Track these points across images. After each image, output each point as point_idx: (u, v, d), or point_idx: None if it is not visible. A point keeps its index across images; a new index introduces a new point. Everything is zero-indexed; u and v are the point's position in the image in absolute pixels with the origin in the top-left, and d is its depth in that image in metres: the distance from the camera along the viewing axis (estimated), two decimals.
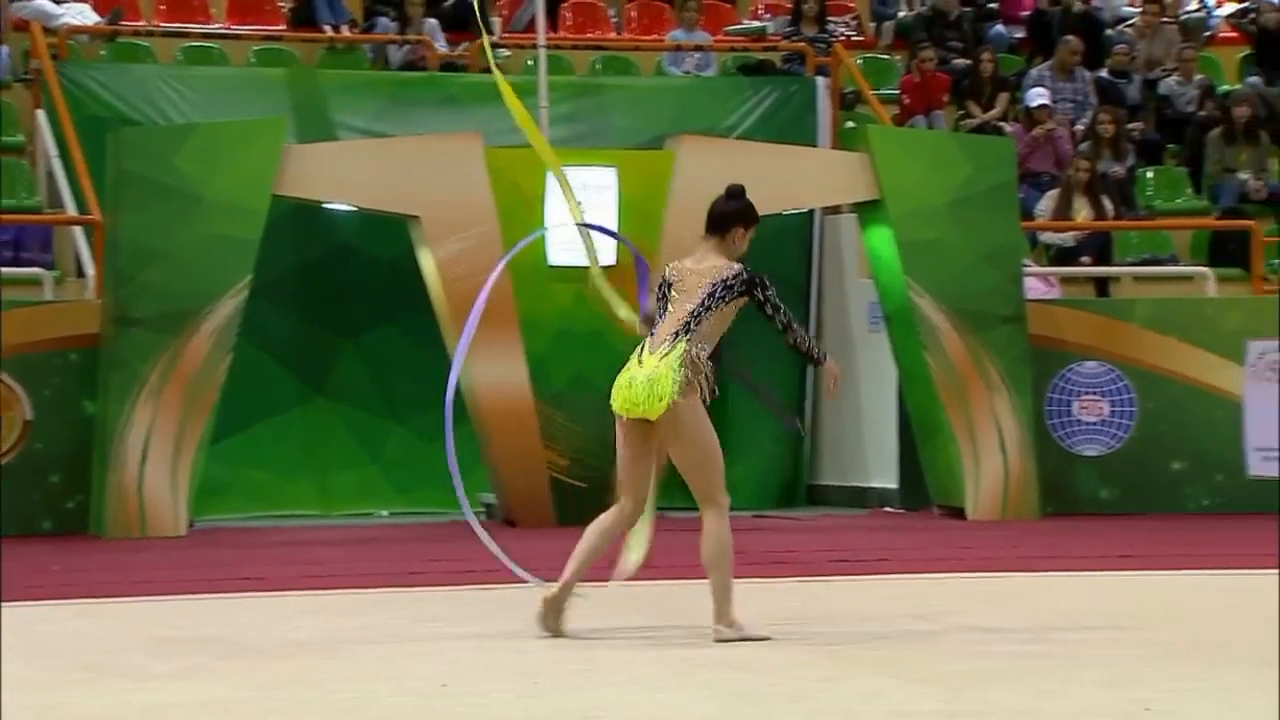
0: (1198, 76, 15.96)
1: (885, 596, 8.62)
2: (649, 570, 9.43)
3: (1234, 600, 8.48)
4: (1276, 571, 8.71)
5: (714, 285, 6.99)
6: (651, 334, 7.05)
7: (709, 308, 6.98)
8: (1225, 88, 16.09)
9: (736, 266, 7.06)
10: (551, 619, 7.06)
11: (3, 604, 7.76)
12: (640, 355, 6.99)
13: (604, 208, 12.14)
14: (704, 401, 6.94)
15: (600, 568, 7.31)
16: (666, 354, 6.91)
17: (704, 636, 6.97)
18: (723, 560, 6.96)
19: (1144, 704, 5.58)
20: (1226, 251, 14.41)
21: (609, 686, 6.08)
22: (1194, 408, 12.74)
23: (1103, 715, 5.47)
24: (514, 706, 5.69)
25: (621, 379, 6.98)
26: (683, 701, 5.78)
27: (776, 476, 13.77)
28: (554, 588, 7.11)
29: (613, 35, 16.21)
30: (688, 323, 6.97)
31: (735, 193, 7.21)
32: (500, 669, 6.41)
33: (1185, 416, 12.74)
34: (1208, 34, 16.96)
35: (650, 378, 6.89)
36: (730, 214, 7.15)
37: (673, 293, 7.06)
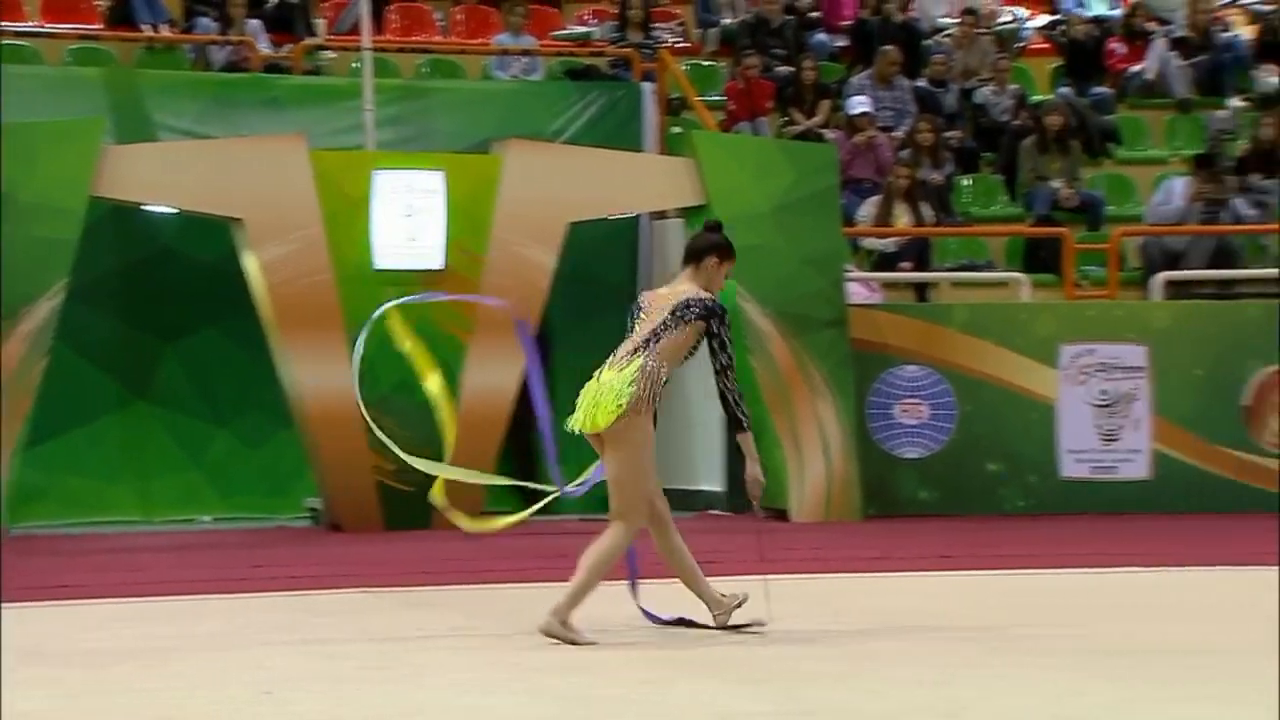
0: (1011, 86, 16.19)
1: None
2: (470, 574, 9.36)
3: (1048, 600, 8.57)
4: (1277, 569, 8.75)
5: (676, 306, 7.12)
6: (614, 353, 7.16)
7: (668, 327, 7.10)
8: (1038, 97, 16.33)
9: (704, 294, 7.18)
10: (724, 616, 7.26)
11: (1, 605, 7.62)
12: (600, 372, 7.12)
13: (432, 211, 12.07)
14: (654, 417, 7.08)
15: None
16: (623, 368, 7.04)
17: (530, 639, 6.88)
18: (597, 568, 6.98)
19: (963, 703, 5.62)
20: (1040, 258, 14.61)
21: (431, 690, 5.98)
22: (1009, 411, 12.91)
23: (923, 713, 5.48)
24: (331, 713, 5.58)
25: (580, 397, 7.10)
26: (506, 707, 5.70)
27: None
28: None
29: (439, 38, 16.05)
30: (647, 340, 7.11)
31: (712, 226, 7.43)
32: (320, 675, 6.28)
33: (1001, 419, 12.90)
34: (1020, 45, 17.21)
35: (600, 390, 7.04)
36: (704, 246, 7.29)
37: (640, 315, 7.22)
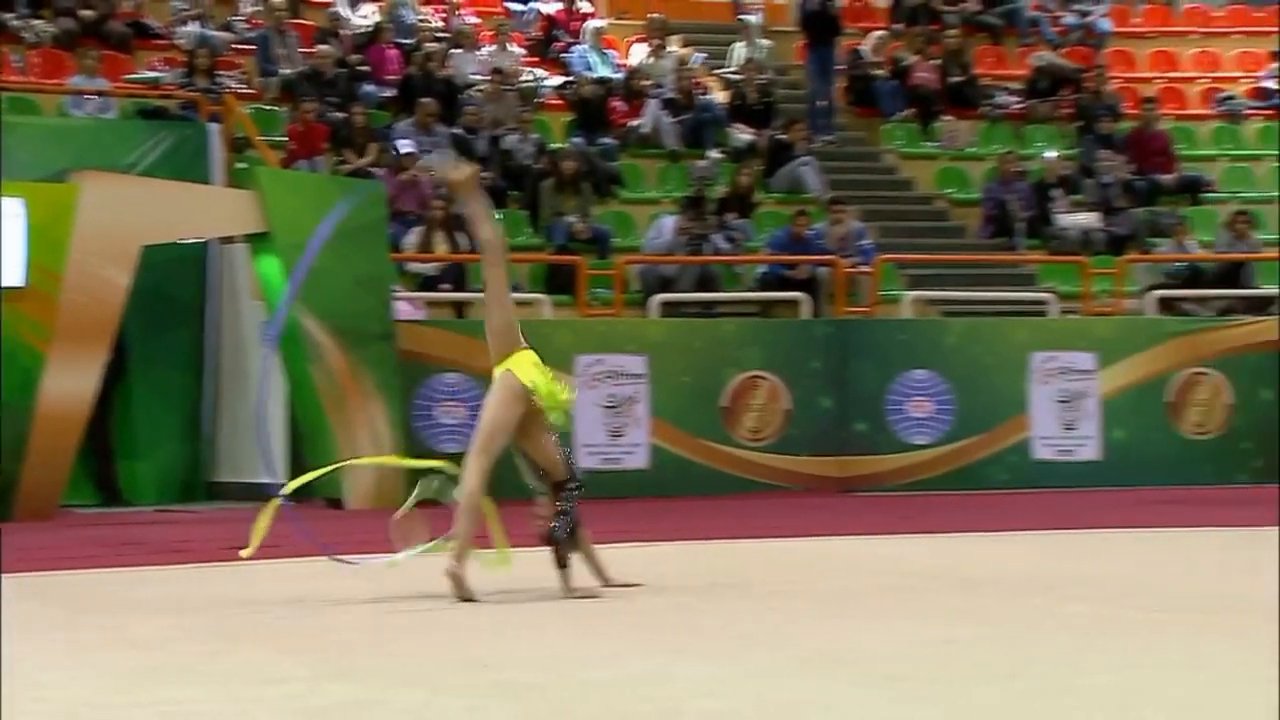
0: (533, 135, 16.25)
1: (269, 578, 8.25)
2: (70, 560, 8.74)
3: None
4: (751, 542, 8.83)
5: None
6: None
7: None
8: (555, 145, 16.45)
9: None
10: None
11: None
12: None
13: (13, 235, 11.33)
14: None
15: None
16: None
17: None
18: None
19: (484, 662, 5.55)
20: (558, 281, 14.70)
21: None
22: None
23: (449, 671, 5.34)
24: None
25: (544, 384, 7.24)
26: (71, 684, 5.27)
27: (177, 473, 13.13)
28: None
29: (17, 77, 15.13)
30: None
31: None
32: None
33: None
34: (539, 100, 17.32)
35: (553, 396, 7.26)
36: None
37: None
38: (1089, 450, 13.79)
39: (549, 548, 7.22)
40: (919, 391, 13.56)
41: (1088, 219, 16.57)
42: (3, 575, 7.92)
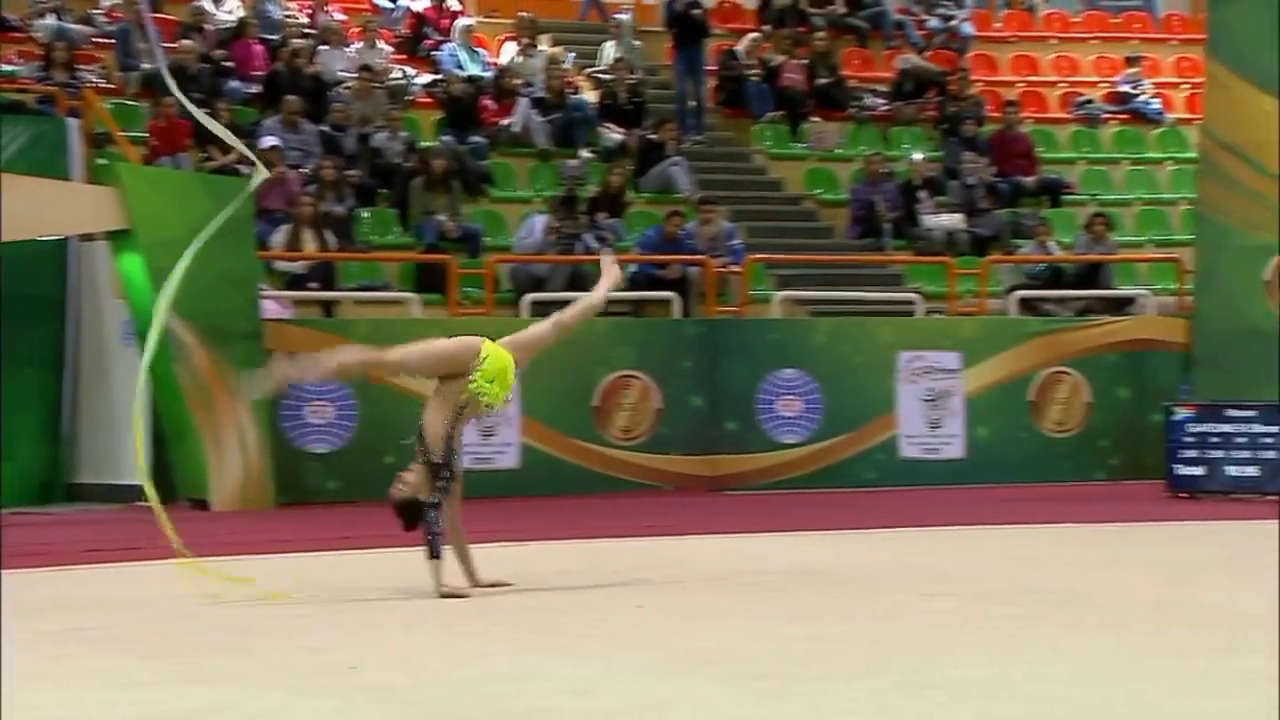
0: (403, 133, 16.09)
1: (136, 580, 8.09)
2: None
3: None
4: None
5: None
6: None
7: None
8: (425, 143, 16.31)
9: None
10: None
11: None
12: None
13: None
14: None
15: None
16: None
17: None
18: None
19: (351, 665, 5.46)
20: (429, 280, 14.58)
21: None
22: (404, 410, 12.72)
23: (309, 674, 5.25)
24: None
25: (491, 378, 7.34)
26: None
27: (36, 475, 12.84)
28: None
29: None
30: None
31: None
32: None
33: (397, 417, 12.72)
34: (409, 98, 17.17)
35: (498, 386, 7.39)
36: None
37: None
38: (954, 448, 13.97)
39: (399, 516, 7.18)
40: (788, 390, 13.65)
41: (952, 220, 16.80)
42: None
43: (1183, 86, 20.29)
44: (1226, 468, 12.57)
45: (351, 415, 12.64)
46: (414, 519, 7.16)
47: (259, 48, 16.76)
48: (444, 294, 14.09)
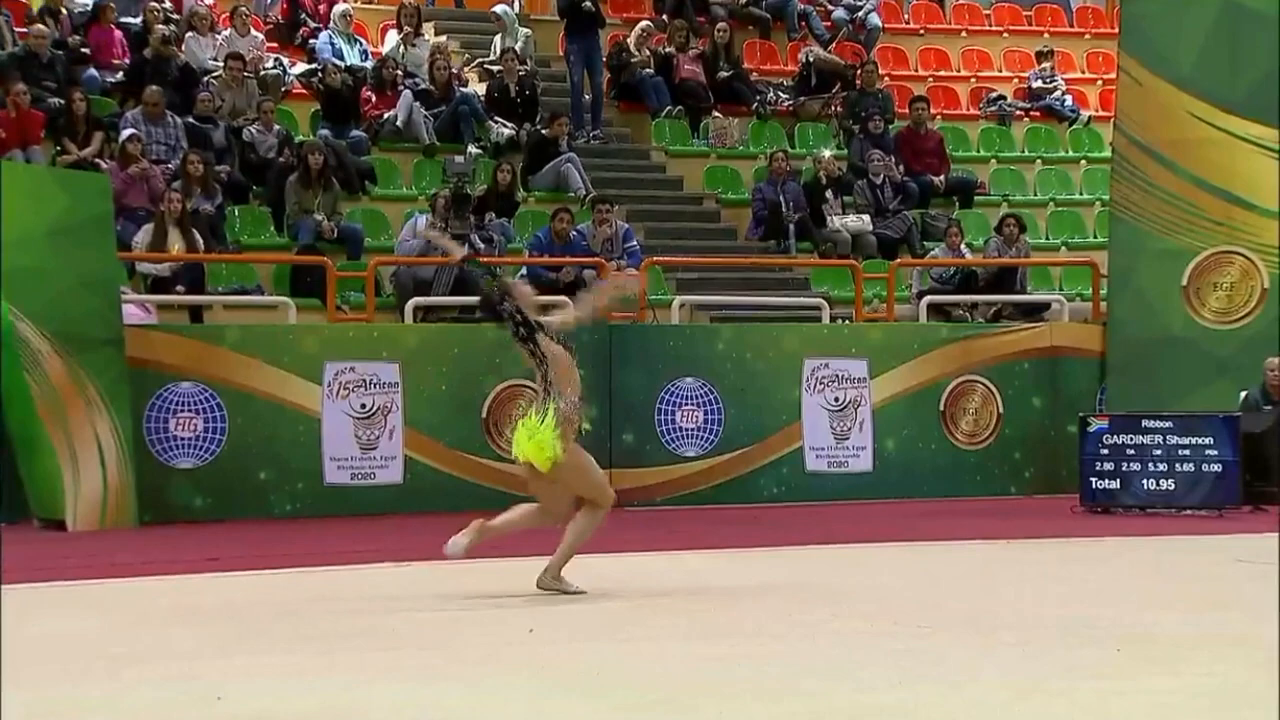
0: (276, 126, 16.01)
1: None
2: None
3: (305, 593, 8.45)
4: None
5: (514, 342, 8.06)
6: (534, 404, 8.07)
7: (538, 362, 8.03)
8: (301, 138, 16.23)
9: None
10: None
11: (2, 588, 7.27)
12: (530, 412, 8.07)
13: None
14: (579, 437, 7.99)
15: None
16: (543, 414, 8.01)
17: None
18: (579, 535, 8.16)
19: (217, 694, 5.43)
20: (305, 283, 14.51)
21: None
22: (279, 423, 12.71)
23: (175, 705, 5.24)
24: None
25: (520, 431, 8.06)
26: None
27: None
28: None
29: None
30: (545, 383, 8.05)
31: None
32: None
33: (271, 431, 12.69)
34: (284, 89, 17.07)
35: (534, 437, 7.99)
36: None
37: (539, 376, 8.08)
38: (862, 461, 14.14)
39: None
40: (688, 400, 13.74)
41: (859, 221, 17.01)
42: None
43: (1097, 82, 20.71)
44: (1142, 481, 12.83)
45: (222, 429, 12.54)
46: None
47: (119, 34, 16.59)
48: (321, 298, 14.03)
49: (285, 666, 6.15)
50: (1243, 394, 13.90)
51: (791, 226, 16.66)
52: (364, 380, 12.93)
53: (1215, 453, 12.65)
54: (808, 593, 8.15)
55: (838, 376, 14.14)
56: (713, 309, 15.58)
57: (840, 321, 15.14)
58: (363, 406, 12.92)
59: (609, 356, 13.58)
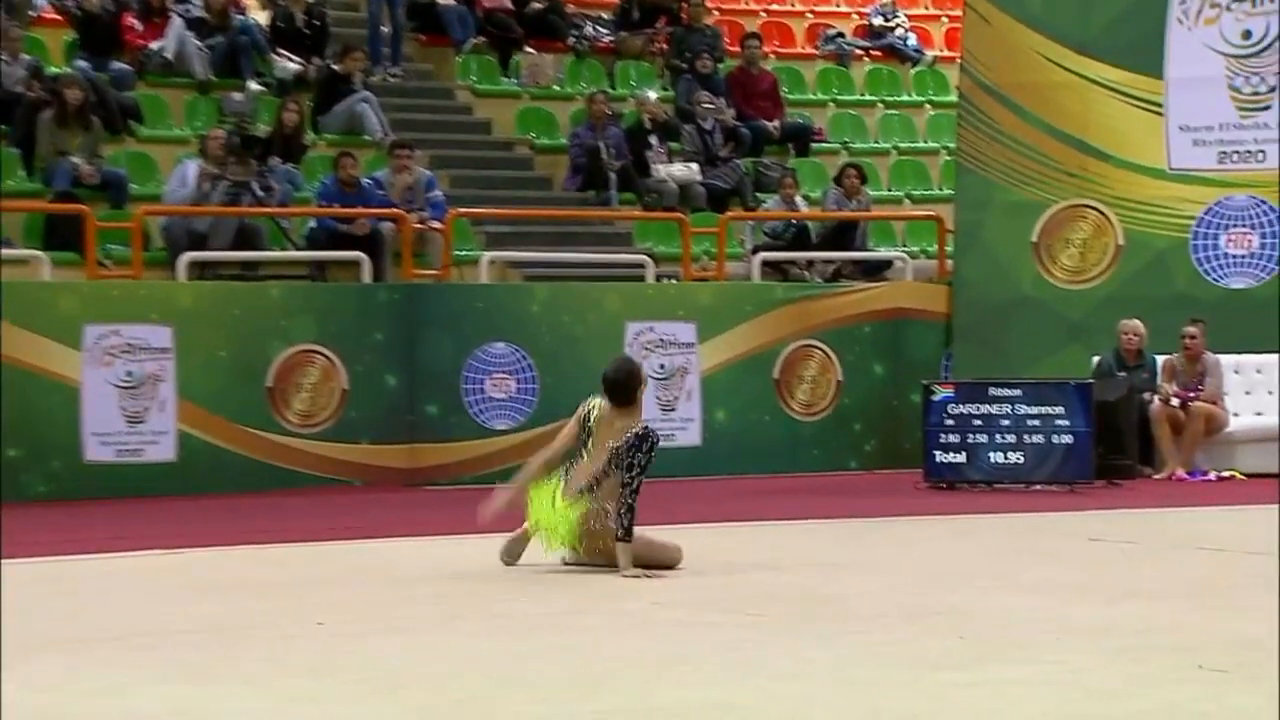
0: (25, 56, 15.60)
1: None
2: None
3: (50, 586, 8.29)
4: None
5: (630, 446, 8.27)
6: (570, 470, 8.40)
7: (618, 467, 8.26)
8: (54, 69, 15.85)
9: (637, 430, 8.33)
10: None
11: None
12: (560, 490, 8.35)
13: None
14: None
15: None
16: (576, 505, 8.32)
17: None
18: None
19: None
20: (61, 235, 14.20)
21: None
22: (32, 394, 12.43)
23: None
24: None
25: (544, 508, 8.35)
26: None
27: None
28: None
29: None
30: (595, 481, 8.32)
31: (623, 365, 8.63)
32: None
33: (24, 403, 12.40)
34: (32, 14, 16.65)
35: (553, 524, 8.34)
36: (638, 381, 8.54)
37: (590, 440, 8.41)
38: (689, 434, 14.25)
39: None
40: (499, 368, 13.73)
41: (687, 171, 17.10)
42: None
43: (942, 20, 21.04)
44: (989, 454, 13.12)
45: None
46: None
47: None
48: (80, 252, 13.74)
49: (48, 668, 6.03)
50: (1095, 359, 14.28)
51: (612, 175, 16.70)
52: (130, 345, 12.70)
53: (1066, 423, 12.98)
54: (627, 579, 8.19)
55: (663, 341, 14.23)
56: (525, 267, 15.56)
57: (666, 281, 15.23)
58: (129, 375, 12.69)
59: (409, 319, 13.50)
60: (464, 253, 15.18)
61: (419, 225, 14.75)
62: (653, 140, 17.19)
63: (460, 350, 13.64)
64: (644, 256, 15.47)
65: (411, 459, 13.54)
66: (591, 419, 8.46)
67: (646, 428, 8.40)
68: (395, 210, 14.65)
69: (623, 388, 8.47)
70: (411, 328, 13.50)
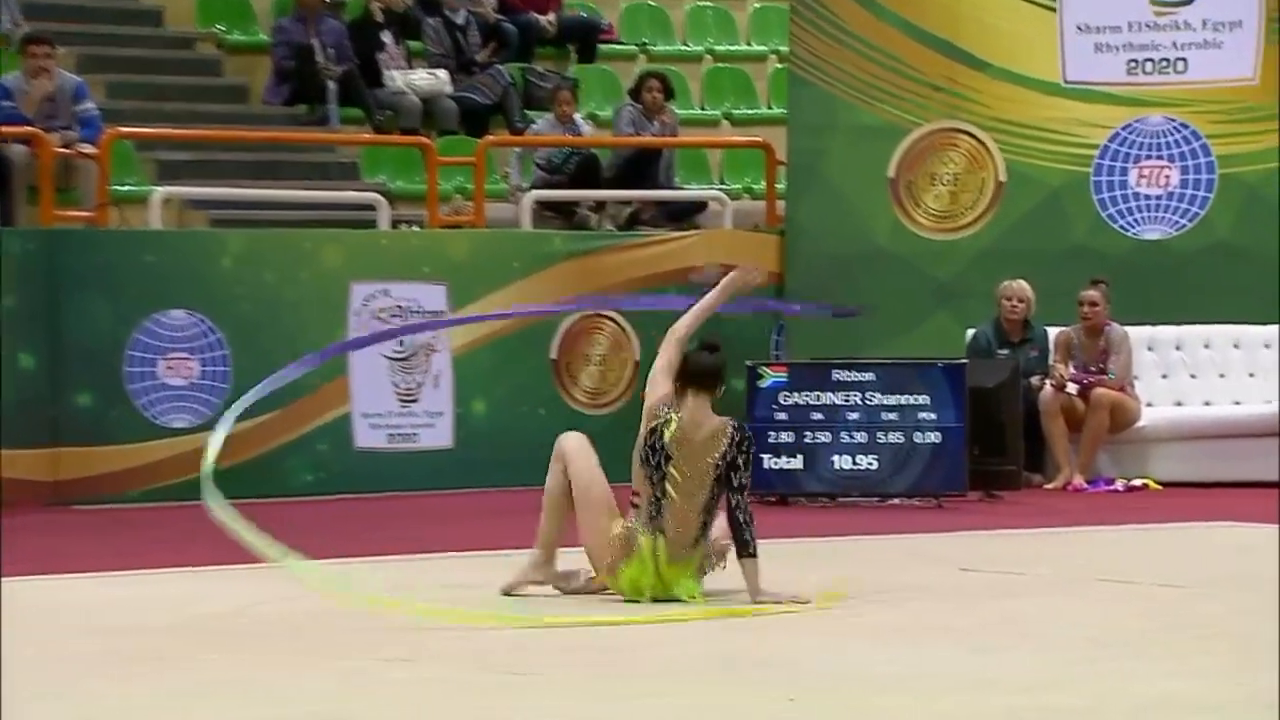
0: None
1: None
2: None
3: None
4: None
5: (718, 465, 8.71)
6: (657, 518, 8.79)
7: (717, 495, 8.76)
8: None
9: (730, 428, 8.78)
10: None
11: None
12: (656, 551, 8.74)
13: None
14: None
15: None
16: (689, 562, 8.80)
17: None
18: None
19: None
20: None
21: None
22: None
23: None
24: None
25: (636, 572, 8.78)
26: None
27: None
28: None
29: None
30: (704, 523, 8.80)
31: (713, 346, 9.00)
32: None
33: None
34: None
35: (671, 588, 8.79)
36: (720, 369, 8.95)
37: (671, 468, 8.75)
38: (438, 434, 14.27)
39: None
40: (176, 345, 13.63)
41: (433, 79, 17.11)
42: None
43: None
44: (833, 458, 13.29)
45: None
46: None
47: None
48: None
49: None
50: (970, 333, 14.53)
51: (331, 85, 16.65)
52: None
53: (932, 417, 13.21)
54: (357, 626, 8.20)
55: (401, 309, 14.24)
56: (213, 207, 15.46)
57: (405, 228, 15.23)
58: None
59: (50, 278, 13.34)
60: (127, 187, 15.03)
61: (63, 149, 14.55)
62: (386, 38, 17.17)
63: (122, 321, 13.52)
64: (375, 195, 15.44)
65: (54, 469, 13.39)
66: (666, 440, 8.79)
67: (732, 423, 8.88)
68: (29, 128, 14.43)
69: (717, 373, 8.96)
70: (54, 290, 13.35)
